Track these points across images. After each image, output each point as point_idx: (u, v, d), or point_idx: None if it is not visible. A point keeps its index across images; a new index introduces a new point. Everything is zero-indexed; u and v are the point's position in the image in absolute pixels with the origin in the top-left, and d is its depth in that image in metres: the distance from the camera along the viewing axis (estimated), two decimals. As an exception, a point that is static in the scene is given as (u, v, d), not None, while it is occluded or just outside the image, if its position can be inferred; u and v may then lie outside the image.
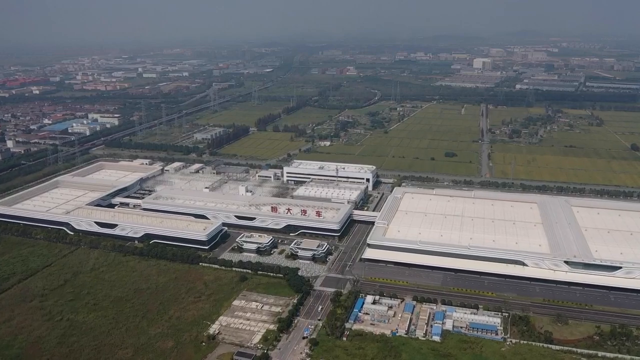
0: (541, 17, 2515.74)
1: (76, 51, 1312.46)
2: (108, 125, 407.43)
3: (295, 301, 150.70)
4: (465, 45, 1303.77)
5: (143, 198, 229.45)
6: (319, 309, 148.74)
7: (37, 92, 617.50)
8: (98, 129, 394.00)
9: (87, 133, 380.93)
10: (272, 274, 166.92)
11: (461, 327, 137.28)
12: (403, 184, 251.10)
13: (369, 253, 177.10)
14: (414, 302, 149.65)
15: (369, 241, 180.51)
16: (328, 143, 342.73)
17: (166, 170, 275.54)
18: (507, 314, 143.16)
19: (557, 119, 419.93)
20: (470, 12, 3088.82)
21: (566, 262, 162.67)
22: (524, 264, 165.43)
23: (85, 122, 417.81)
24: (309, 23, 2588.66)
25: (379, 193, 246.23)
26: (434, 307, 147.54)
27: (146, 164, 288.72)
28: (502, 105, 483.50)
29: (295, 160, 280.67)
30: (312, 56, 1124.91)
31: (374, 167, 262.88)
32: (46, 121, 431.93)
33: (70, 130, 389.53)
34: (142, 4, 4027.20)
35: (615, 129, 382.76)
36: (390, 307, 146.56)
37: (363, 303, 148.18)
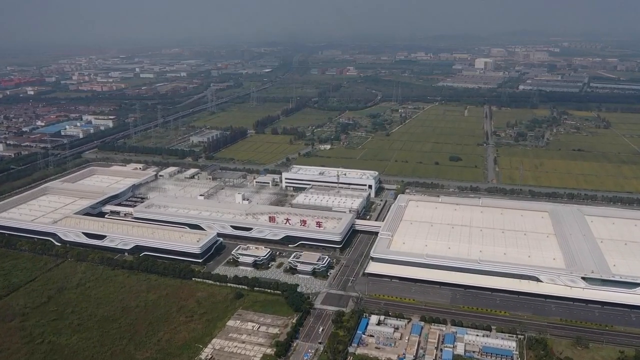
0: (540, 16, 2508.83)
1: (74, 51, 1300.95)
2: (102, 128, 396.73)
3: (294, 321, 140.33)
4: (466, 45, 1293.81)
5: (135, 206, 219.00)
6: (320, 330, 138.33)
7: (32, 92, 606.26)
8: (92, 131, 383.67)
9: (81, 135, 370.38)
10: (269, 291, 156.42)
11: (473, 352, 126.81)
12: (407, 191, 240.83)
13: (373, 267, 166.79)
14: (422, 323, 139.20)
15: (372, 254, 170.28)
16: (328, 146, 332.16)
17: (160, 176, 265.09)
18: (522, 336, 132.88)
19: (562, 121, 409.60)
20: (469, 12, 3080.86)
21: (583, 278, 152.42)
22: (538, 280, 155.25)
23: (78, 124, 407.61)
24: (309, 23, 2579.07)
25: (381, 200, 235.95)
26: (444, 329, 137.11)
27: (140, 168, 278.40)
28: (506, 107, 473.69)
29: (294, 166, 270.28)
30: (311, 56, 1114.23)
31: (377, 173, 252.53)
32: (39, 123, 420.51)
33: (63, 133, 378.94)
34: (142, 3, 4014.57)
35: (623, 132, 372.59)
36: (396, 329, 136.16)
37: (367, 324, 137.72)
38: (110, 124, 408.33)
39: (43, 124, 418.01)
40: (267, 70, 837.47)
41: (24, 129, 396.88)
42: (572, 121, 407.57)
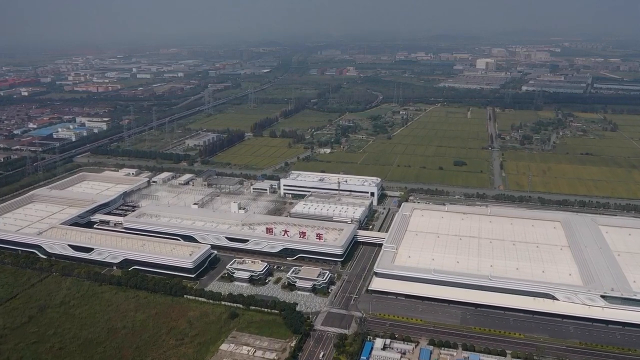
0: (540, 16, 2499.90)
1: (72, 50, 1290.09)
2: (96, 130, 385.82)
3: (292, 345, 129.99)
4: (466, 45, 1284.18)
5: (126, 215, 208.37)
6: (321, 355, 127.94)
7: (26, 93, 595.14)
8: (85, 134, 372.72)
9: (73, 139, 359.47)
10: (266, 310, 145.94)
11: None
12: (411, 198, 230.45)
13: (377, 283, 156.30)
14: (431, 347, 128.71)
15: (376, 269, 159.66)
16: (328, 150, 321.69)
17: (153, 182, 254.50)
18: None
19: (568, 123, 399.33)
20: (469, 11, 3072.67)
21: (603, 296, 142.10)
22: (554, 298, 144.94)
23: (71, 126, 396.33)
24: (308, 22, 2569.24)
25: (384, 208, 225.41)
26: (454, 354, 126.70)
27: (132, 173, 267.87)
28: (510, 108, 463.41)
29: (293, 171, 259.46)
30: (310, 56, 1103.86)
31: (379, 180, 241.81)
32: (31, 125, 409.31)
33: (55, 136, 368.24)
34: (142, 3, 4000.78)
35: (631, 135, 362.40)
36: (403, 354, 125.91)
37: (372, 348, 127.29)
38: (104, 126, 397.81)
39: (35, 126, 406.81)
40: (265, 70, 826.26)
41: (15, 132, 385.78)
42: (578, 123, 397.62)
